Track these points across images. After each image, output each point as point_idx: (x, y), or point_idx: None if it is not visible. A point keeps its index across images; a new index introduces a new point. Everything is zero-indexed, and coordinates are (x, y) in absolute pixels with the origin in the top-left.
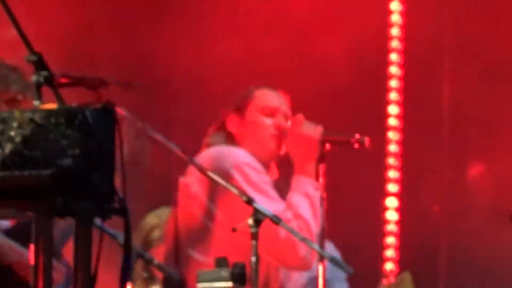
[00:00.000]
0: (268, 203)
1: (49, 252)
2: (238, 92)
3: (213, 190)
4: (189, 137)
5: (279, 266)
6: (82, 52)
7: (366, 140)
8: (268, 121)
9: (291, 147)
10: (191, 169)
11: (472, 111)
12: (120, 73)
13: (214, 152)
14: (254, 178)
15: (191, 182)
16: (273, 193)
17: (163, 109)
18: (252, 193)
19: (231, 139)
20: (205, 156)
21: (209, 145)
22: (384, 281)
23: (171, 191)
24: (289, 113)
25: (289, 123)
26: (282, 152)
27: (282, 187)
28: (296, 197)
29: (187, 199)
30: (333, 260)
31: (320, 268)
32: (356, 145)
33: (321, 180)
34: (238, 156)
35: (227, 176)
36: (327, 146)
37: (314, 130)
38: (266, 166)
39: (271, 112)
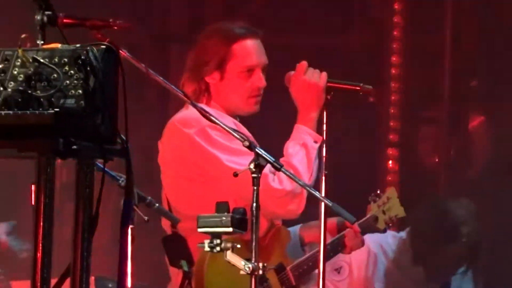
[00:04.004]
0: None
1: (51, 193)
2: (216, 39)
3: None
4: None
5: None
6: None
7: (370, 88)
8: (246, 83)
9: (295, 94)
10: None
11: (473, 62)
12: (117, 14)
13: (178, 120)
14: (220, 138)
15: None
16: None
17: (161, 52)
18: (221, 155)
19: (208, 95)
20: (171, 124)
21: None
22: (372, 204)
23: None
24: (267, 62)
25: (292, 72)
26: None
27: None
28: (292, 146)
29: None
30: (335, 209)
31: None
32: (361, 93)
33: (324, 126)
34: (200, 120)
35: (192, 142)
36: (331, 93)
37: (318, 77)
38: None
39: (251, 70)
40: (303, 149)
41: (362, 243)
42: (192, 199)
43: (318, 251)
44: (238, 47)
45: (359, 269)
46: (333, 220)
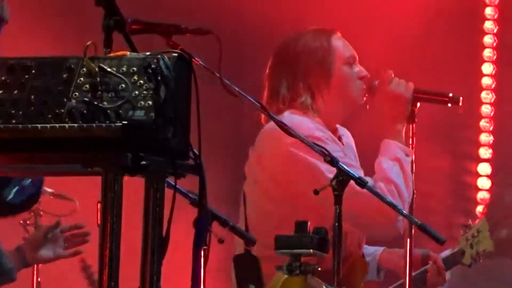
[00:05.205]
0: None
1: (118, 212)
2: (310, 41)
3: None
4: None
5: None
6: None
7: (460, 99)
8: (353, 73)
9: (379, 105)
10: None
11: None
12: (192, 20)
13: (272, 129)
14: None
15: None
16: (350, 160)
17: (236, 58)
18: (321, 164)
19: (314, 99)
20: (269, 129)
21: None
22: (461, 238)
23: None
24: None
25: (376, 81)
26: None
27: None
28: (385, 162)
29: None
30: (423, 228)
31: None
32: (449, 104)
33: (410, 140)
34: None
35: (288, 152)
36: (418, 104)
37: (404, 87)
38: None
39: (353, 62)
40: (396, 164)
41: (444, 281)
42: (274, 222)
43: (398, 286)
44: (334, 42)
45: None
46: (416, 252)
